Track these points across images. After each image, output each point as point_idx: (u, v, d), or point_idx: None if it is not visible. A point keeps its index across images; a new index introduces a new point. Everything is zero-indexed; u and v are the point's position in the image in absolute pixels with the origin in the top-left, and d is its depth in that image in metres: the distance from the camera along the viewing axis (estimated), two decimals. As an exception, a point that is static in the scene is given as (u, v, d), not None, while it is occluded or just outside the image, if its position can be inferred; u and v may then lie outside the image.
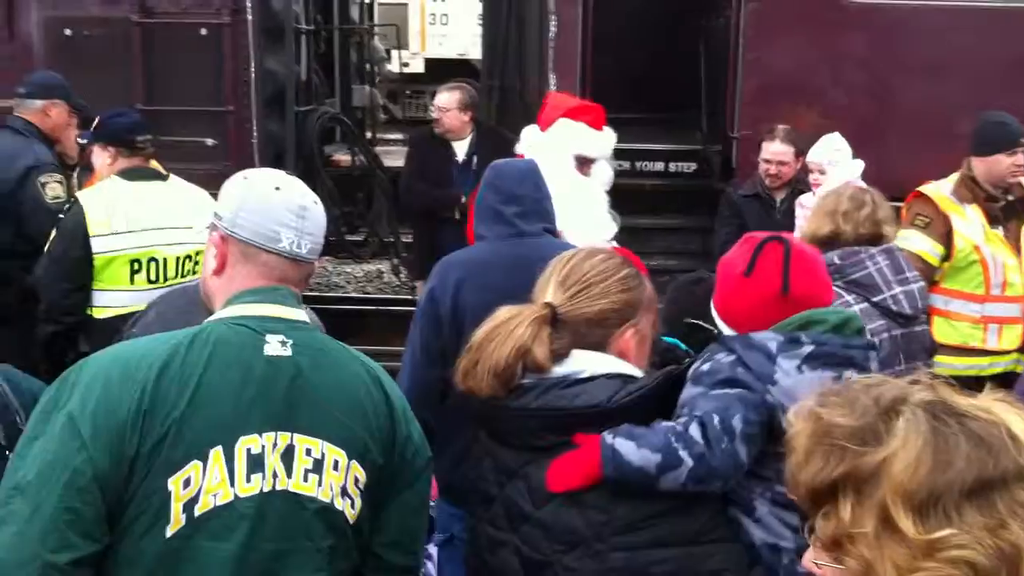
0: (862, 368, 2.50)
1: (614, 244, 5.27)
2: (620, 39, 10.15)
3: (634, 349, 2.54)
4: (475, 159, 7.24)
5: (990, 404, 1.41)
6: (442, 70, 16.78)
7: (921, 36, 7.92)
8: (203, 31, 8.09)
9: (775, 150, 6.48)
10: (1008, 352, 5.16)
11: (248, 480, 2.14)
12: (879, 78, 7.98)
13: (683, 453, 2.33)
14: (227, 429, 2.14)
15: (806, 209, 5.79)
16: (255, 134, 8.09)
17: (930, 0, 8.29)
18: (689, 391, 2.51)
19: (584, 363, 2.46)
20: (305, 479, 2.19)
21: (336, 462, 2.22)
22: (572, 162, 5.16)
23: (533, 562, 2.38)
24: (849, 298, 3.97)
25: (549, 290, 2.57)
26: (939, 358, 4.63)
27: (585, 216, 5.05)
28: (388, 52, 14.54)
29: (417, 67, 18.41)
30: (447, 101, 7.44)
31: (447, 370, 3.83)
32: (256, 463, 2.15)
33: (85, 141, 5.40)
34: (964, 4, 8.32)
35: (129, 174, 4.98)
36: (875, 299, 4.02)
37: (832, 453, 1.42)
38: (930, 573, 1.34)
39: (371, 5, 11.76)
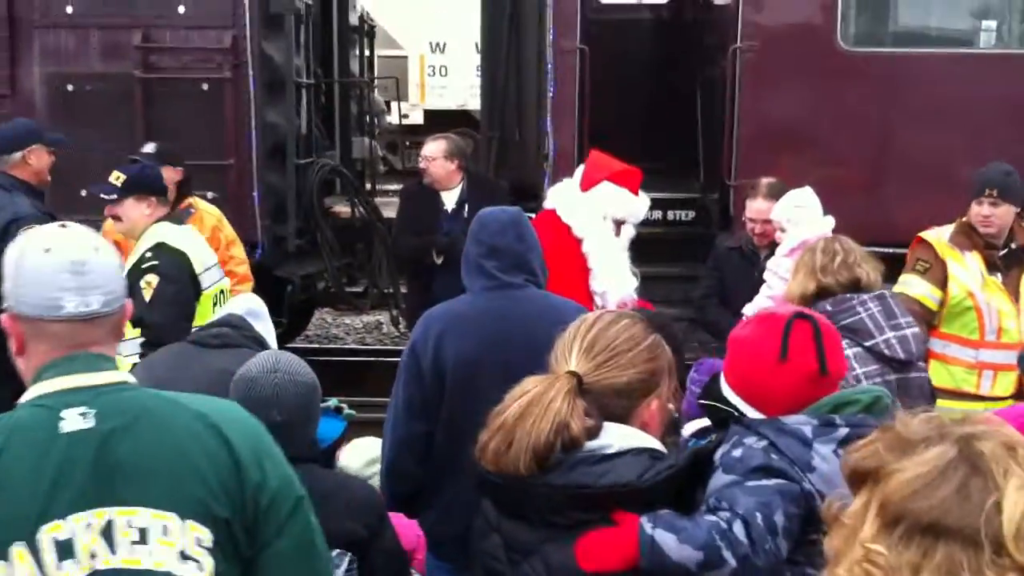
0: None
1: (635, 297, 5.36)
2: (617, 88, 10.22)
3: (657, 422, 2.48)
4: (466, 207, 7.27)
5: (1021, 475, 1.41)
6: (441, 121, 16.89)
7: (918, 83, 7.98)
8: (204, 86, 8.16)
9: (757, 208, 6.09)
10: (1003, 399, 5.17)
11: (59, 568, 2.03)
12: (876, 125, 8.03)
13: (727, 553, 2.27)
14: (25, 522, 2.03)
15: (770, 272, 5.70)
16: (256, 186, 8.13)
17: (927, 48, 8.38)
18: (721, 479, 2.44)
19: (612, 438, 2.39)
20: (132, 553, 2.07)
21: (165, 527, 2.09)
22: (611, 224, 5.29)
23: None
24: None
25: (573, 357, 2.45)
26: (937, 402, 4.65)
27: (617, 273, 5.28)
28: (388, 104, 14.64)
29: (416, 118, 18.54)
30: (432, 151, 7.49)
31: (431, 424, 3.87)
32: (66, 550, 2.04)
33: (114, 196, 5.40)
34: (962, 51, 8.41)
35: (172, 219, 5.44)
36: (867, 343, 4.03)
37: (879, 449, 1.49)
38: (849, 572, 1.42)
39: (371, 58, 11.84)
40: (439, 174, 7.48)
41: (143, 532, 2.08)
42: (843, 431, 2.44)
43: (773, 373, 2.57)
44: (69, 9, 8.16)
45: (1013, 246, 5.38)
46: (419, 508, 4.03)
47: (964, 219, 5.39)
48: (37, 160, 6.03)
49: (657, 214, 9.26)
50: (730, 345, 2.73)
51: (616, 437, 2.39)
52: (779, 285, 5.64)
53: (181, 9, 8.15)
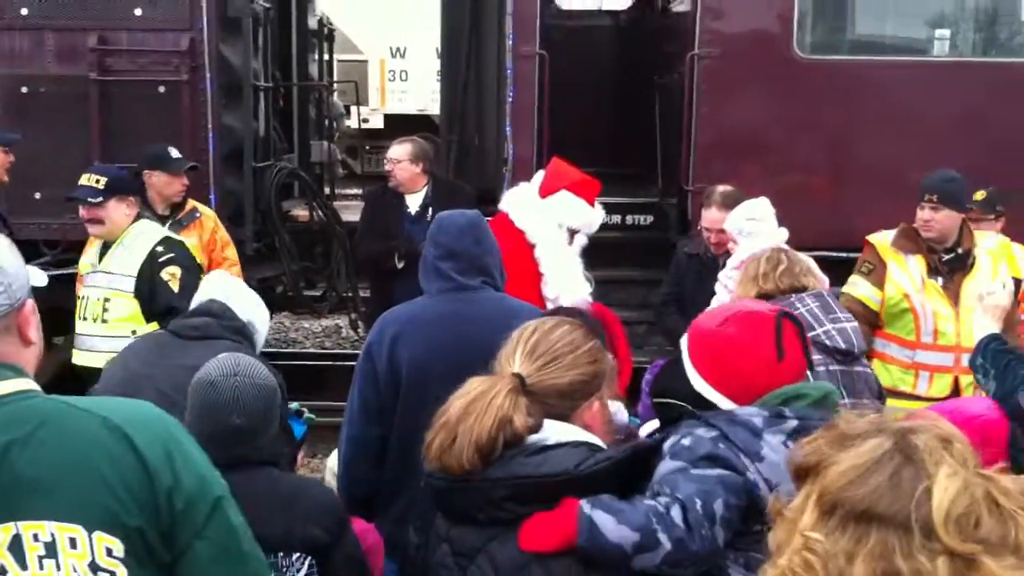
0: None
1: (590, 301, 5.38)
2: (577, 94, 10.25)
3: (600, 423, 2.54)
4: (430, 211, 7.27)
5: (952, 463, 1.45)
6: (402, 126, 16.87)
7: (874, 91, 8.06)
8: (161, 88, 8.08)
9: (712, 217, 6.13)
10: (938, 399, 5.25)
11: None
12: (832, 132, 8.11)
13: (662, 536, 2.30)
14: None
15: (722, 284, 5.69)
16: (213, 190, 8.08)
17: (883, 55, 8.47)
18: (668, 465, 2.48)
19: (549, 432, 2.44)
20: (41, 567, 2.01)
21: (73, 540, 2.02)
22: (565, 233, 5.36)
23: None
24: None
25: (516, 360, 2.53)
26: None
27: (571, 279, 5.29)
28: (347, 108, 14.60)
29: (377, 123, 18.51)
30: (398, 154, 7.52)
31: (385, 427, 3.86)
32: None
33: (99, 199, 5.62)
34: (916, 59, 8.50)
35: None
36: (809, 335, 4.06)
37: (820, 446, 1.54)
38: (788, 561, 1.46)
39: (330, 61, 11.80)
40: (404, 177, 7.49)
41: (49, 546, 2.02)
42: (792, 423, 2.50)
43: (774, 372, 2.64)
44: (24, 11, 8.06)
45: (960, 251, 5.51)
46: (376, 512, 4.03)
47: (908, 223, 5.56)
48: None
49: (616, 218, 9.31)
50: (709, 342, 2.72)
51: (554, 432, 2.44)
52: (729, 297, 5.70)
53: (138, 11, 8.06)
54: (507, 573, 2.35)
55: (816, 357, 3.99)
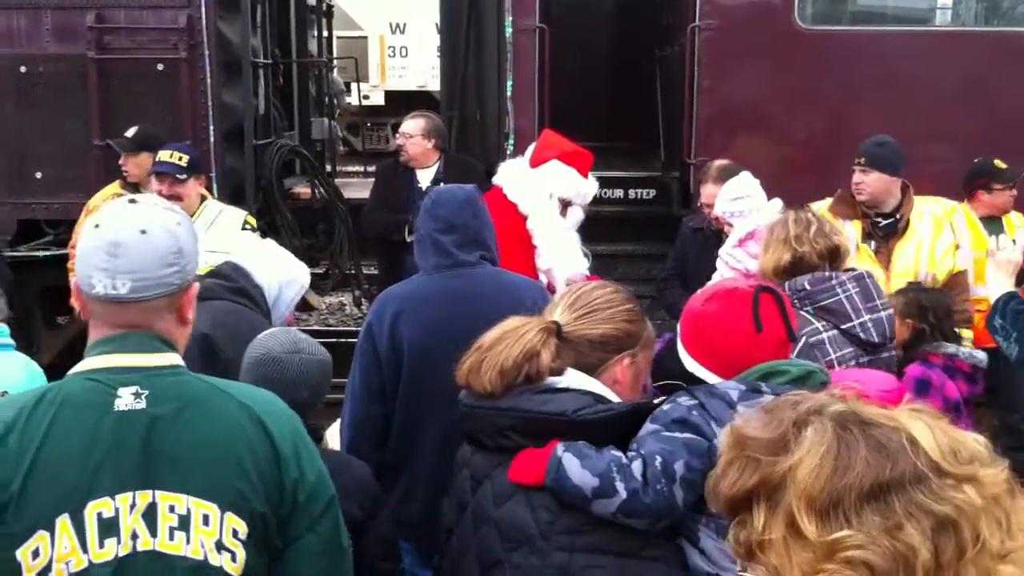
0: None
1: (587, 274, 5.36)
2: (577, 68, 10.22)
3: (628, 380, 2.66)
4: (441, 186, 7.24)
5: (898, 413, 1.47)
6: (402, 102, 16.85)
7: (876, 61, 8.02)
8: (160, 66, 8.05)
9: (709, 193, 6.10)
10: None
11: (101, 546, 2.06)
12: (834, 104, 8.07)
13: (619, 484, 2.42)
14: (73, 496, 2.06)
15: (722, 263, 5.72)
16: (213, 168, 8.06)
17: (884, 26, 8.42)
18: (645, 428, 2.58)
19: (567, 379, 2.57)
20: (171, 537, 2.10)
21: (206, 517, 2.12)
22: (556, 204, 5.29)
23: (488, 562, 2.52)
24: (819, 325, 3.96)
25: (557, 311, 2.71)
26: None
27: (564, 252, 5.28)
28: (347, 85, 14.56)
29: (377, 99, 18.48)
30: (411, 128, 7.48)
31: (387, 406, 3.86)
32: (109, 527, 2.07)
33: (184, 176, 5.80)
34: (918, 29, 8.46)
35: None
36: (844, 326, 4.00)
37: (747, 464, 1.48)
38: (829, 574, 1.38)
39: (330, 38, 11.75)
40: (416, 152, 7.46)
41: (184, 519, 2.11)
42: (767, 398, 2.53)
43: (751, 345, 2.73)
44: (21, -11, 8.04)
45: (897, 216, 5.62)
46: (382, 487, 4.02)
47: (846, 189, 5.72)
48: None
49: (618, 193, 9.30)
50: (694, 321, 2.84)
51: (569, 378, 2.57)
52: (730, 275, 5.67)
53: (135, -11, 8.05)
54: (500, 499, 2.52)
55: (848, 351, 3.98)
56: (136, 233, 2.16)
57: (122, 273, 2.14)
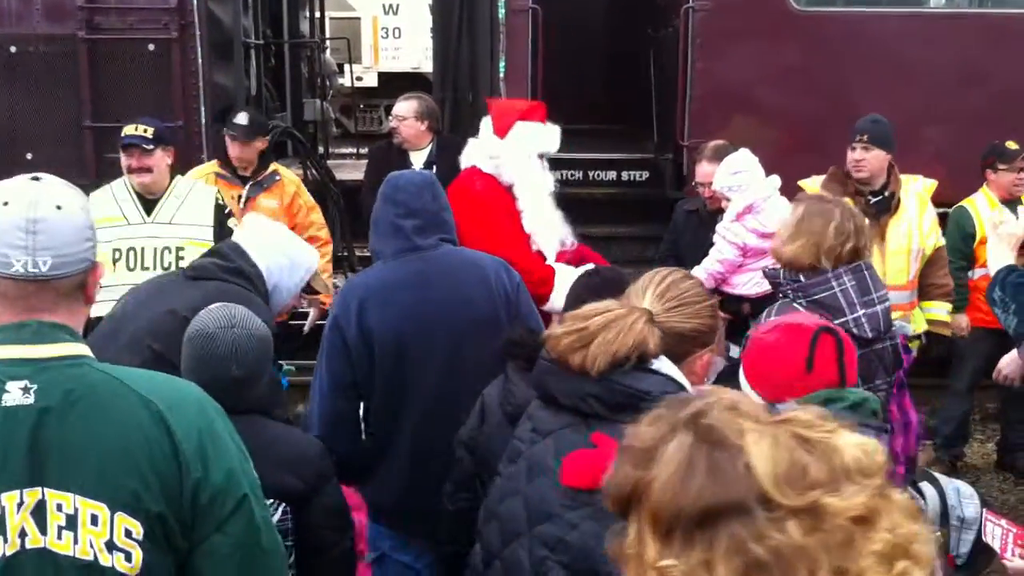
0: None
1: (574, 243, 5.38)
2: (570, 49, 10.18)
3: (703, 373, 2.76)
4: (434, 169, 7.21)
5: (751, 430, 1.37)
6: (395, 84, 16.78)
7: (870, 43, 8.00)
8: (151, 46, 8.00)
9: (703, 172, 6.17)
10: None
11: None
12: (828, 85, 8.04)
13: None
14: None
15: (719, 237, 5.76)
16: (205, 148, 8.02)
17: (879, 7, 8.39)
18: None
19: (658, 364, 2.61)
20: (59, 537, 2.02)
21: (94, 517, 2.03)
22: (537, 161, 5.34)
23: (540, 513, 2.55)
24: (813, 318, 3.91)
25: (647, 298, 2.73)
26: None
27: (550, 216, 5.31)
28: (340, 66, 14.50)
29: (370, 81, 18.39)
30: (404, 110, 7.43)
31: (357, 400, 3.82)
32: None
33: (151, 147, 5.74)
34: (913, 11, 8.43)
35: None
36: (837, 321, 3.85)
37: (625, 472, 1.42)
38: None
39: (322, 18, 11.69)
40: (409, 134, 7.42)
41: (71, 519, 2.03)
42: None
43: (798, 382, 2.76)
44: (11, -31, 7.98)
45: (887, 193, 5.74)
46: (357, 478, 3.98)
47: (838, 167, 5.81)
48: None
49: (611, 175, 9.28)
50: (755, 348, 2.92)
51: (661, 364, 2.60)
52: (728, 249, 5.69)
53: (126, -32, 8.00)
54: (563, 454, 2.56)
55: None
56: (53, 209, 2.09)
57: (43, 250, 2.07)
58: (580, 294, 3.29)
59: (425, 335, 3.77)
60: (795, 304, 3.93)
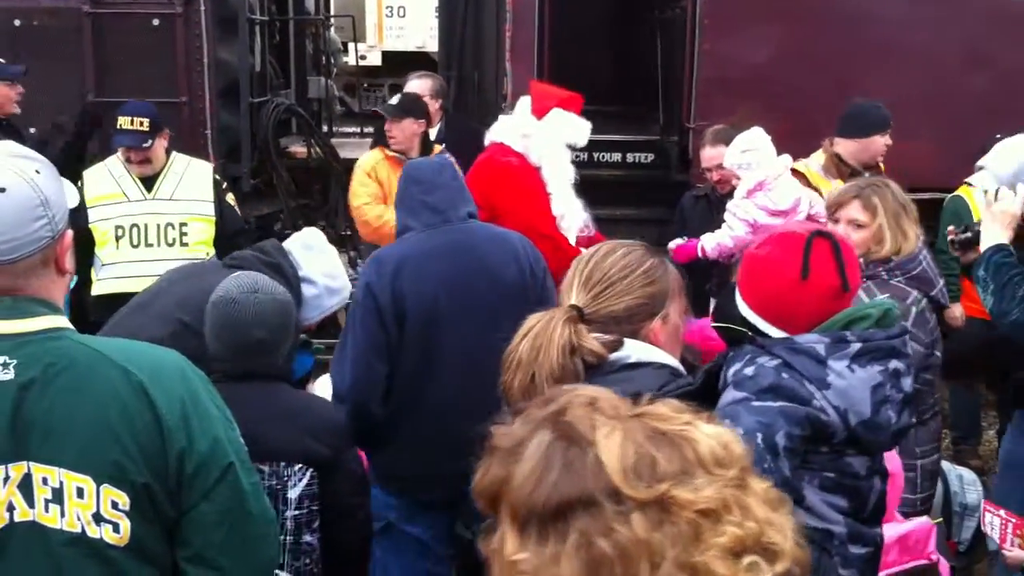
0: (902, 355, 2.55)
1: (593, 229, 5.45)
2: (577, 30, 10.13)
3: (665, 339, 2.58)
4: (443, 147, 7.16)
5: (602, 424, 1.37)
6: (399, 63, 16.70)
7: (879, 24, 7.95)
8: (155, 21, 7.97)
9: (708, 155, 6.22)
10: None
11: None
12: (836, 67, 8.00)
13: None
14: None
15: (730, 214, 5.82)
16: (208, 125, 7.99)
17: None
18: (731, 395, 2.50)
19: (630, 349, 2.51)
20: (47, 510, 2.03)
21: (80, 489, 2.03)
22: (565, 150, 5.52)
23: None
24: (915, 294, 3.91)
25: (573, 291, 2.59)
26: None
27: (574, 201, 5.50)
28: (344, 44, 14.44)
29: (374, 60, 18.34)
30: (421, 87, 7.30)
31: (392, 364, 3.86)
32: None
33: (149, 144, 5.78)
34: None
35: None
36: (932, 293, 3.97)
37: (491, 470, 1.41)
38: None
39: (327, -3, 11.67)
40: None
41: (57, 492, 2.02)
42: (855, 346, 2.49)
43: (795, 292, 2.58)
44: (16, -58, 7.94)
45: (868, 175, 5.67)
46: (374, 444, 4.03)
47: (832, 150, 5.87)
48: None
49: (617, 156, 9.24)
50: (747, 265, 2.75)
51: (635, 349, 2.51)
52: (739, 225, 5.71)
53: (131, -58, 7.96)
54: None
55: (933, 317, 3.94)
56: None
57: None
58: None
59: (457, 303, 3.85)
60: (893, 283, 3.91)
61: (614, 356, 2.49)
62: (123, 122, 5.80)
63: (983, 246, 4.10)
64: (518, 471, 1.36)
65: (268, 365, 3.27)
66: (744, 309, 2.69)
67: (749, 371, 2.50)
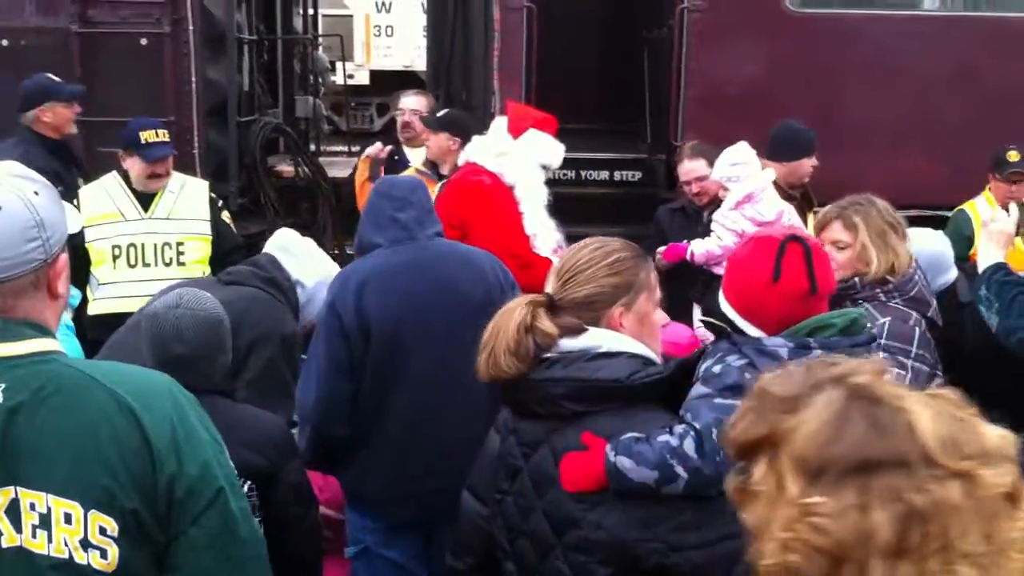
0: None
1: (563, 247, 5.43)
2: (564, 49, 10.16)
3: (628, 327, 2.69)
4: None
5: (910, 396, 1.47)
6: (387, 82, 16.74)
7: (864, 45, 8.00)
8: (143, 41, 7.97)
9: (686, 169, 6.30)
10: None
11: None
12: (821, 87, 8.04)
13: (678, 468, 2.50)
14: None
15: (718, 224, 5.90)
16: (196, 144, 7.99)
17: (873, 9, 8.39)
18: (697, 390, 2.67)
19: (600, 339, 2.64)
20: (34, 535, 1.99)
21: (68, 515, 2.00)
22: (540, 170, 5.57)
23: (562, 520, 2.60)
24: (915, 315, 3.88)
25: (550, 282, 2.78)
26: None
27: (544, 218, 5.52)
28: (332, 63, 14.44)
29: (362, 79, 18.34)
30: (419, 104, 7.23)
31: (356, 382, 3.86)
32: None
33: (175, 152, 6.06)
34: (908, 13, 8.44)
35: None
36: (928, 314, 3.95)
37: (760, 415, 1.52)
38: (795, 534, 1.42)
39: (315, 16, 11.65)
40: (422, 128, 7.26)
41: (44, 517, 1.99)
42: (816, 352, 2.61)
43: (766, 294, 2.75)
44: (3, -39, 7.95)
45: (797, 195, 6.14)
46: (338, 465, 4.02)
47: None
48: (53, 116, 6.53)
49: (604, 174, 9.25)
50: (729, 264, 2.96)
51: (605, 339, 2.64)
52: (728, 236, 5.82)
53: (119, -38, 7.96)
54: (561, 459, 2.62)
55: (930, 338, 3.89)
56: None
57: None
58: None
59: (421, 321, 3.85)
60: (891, 304, 3.88)
61: (587, 343, 2.63)
62: (147, 136, 5.83)
63: (980, 266, 4.14)
64: (810, 419, 1.46)
65: (199, 379, 3.20)
66: (724, 305, 2.86)
67: (717, 369, 2.68)
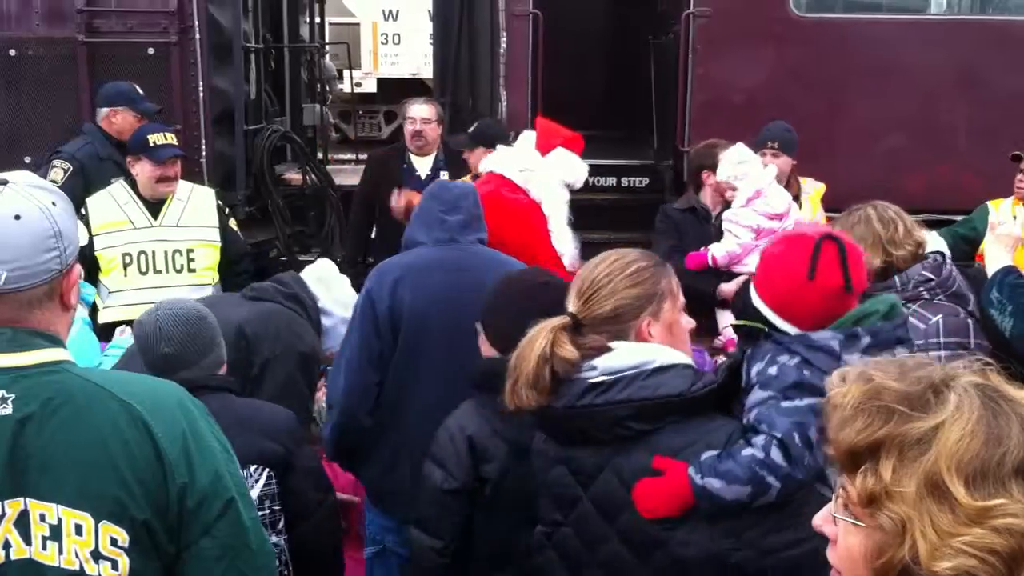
0: (906, 341, 2.74)
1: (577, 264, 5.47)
2: (570, 55, 10.17)
3: (657, 336, 2.70)
4: (442, 175, 7.12)
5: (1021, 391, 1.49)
6: (394, 89, 16.77)
7: (870, 49, 7.99)
8: (150, 50, 7.99)
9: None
10: None
11: None
12: (828, 92, 8.04)
13: (770, 479, 2.52)
14: None
15: (731, 223, 5.91)
16: (204, 153, 8.00)
17: (879, 14, 8.39)
18: (758, 395, 2.66)
19: (651, 354, 2.64)
20: (44, 547, 1.99)
21: (79, 527, 1.99)
22: (564, 188, 5.56)
23: (645, 544, 2.58)
24: (962, 310, 3.91)
25: (571, 300, 2.76)
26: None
27: (568, 235, 5.51)
28: (340, 72, 14.48)
29: (369, 87, 18.40)
30: (429, 112, 7.24)
31: (383, 373, 3.90)
32: None
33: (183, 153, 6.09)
34: (912, 17, 8.43)
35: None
36: (970, 308, 3.97)
37: (879, 414, 1.50)
38: (975, 538, 1.41)
39: (322, 24, 11.68)
40: (433, 137, 7.28)
41: (55, 529, 1.99)
42: (865, 340, 2.66)
43: (803, 290, 2.76)
44: (10, -28, 7.97)
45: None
46: (358, 461, 4.04)
47: None
48: (120, 120, 6.73)
49: (611, 180, 9.26)
50: (763, 262, 2.96)
51: (656, 353, 2.65)
52: (744, 233, 5.87)
53: (126, -29, 7.99)
54: (632, 479, 2.60)
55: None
56: (10, 219, 2.00)
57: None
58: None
59: (451, 318, 3.87)
60: (936, 302, 3.90)
61: (638, 361, 2.62)
62: (155, 139, 5.82)
63: (989, 270, 4.15)
64: (954, 423, 1.45)
65: (197, 376, 3.25)
66: (758, 303, 2.85)
67: (772, 371, 2.67)
